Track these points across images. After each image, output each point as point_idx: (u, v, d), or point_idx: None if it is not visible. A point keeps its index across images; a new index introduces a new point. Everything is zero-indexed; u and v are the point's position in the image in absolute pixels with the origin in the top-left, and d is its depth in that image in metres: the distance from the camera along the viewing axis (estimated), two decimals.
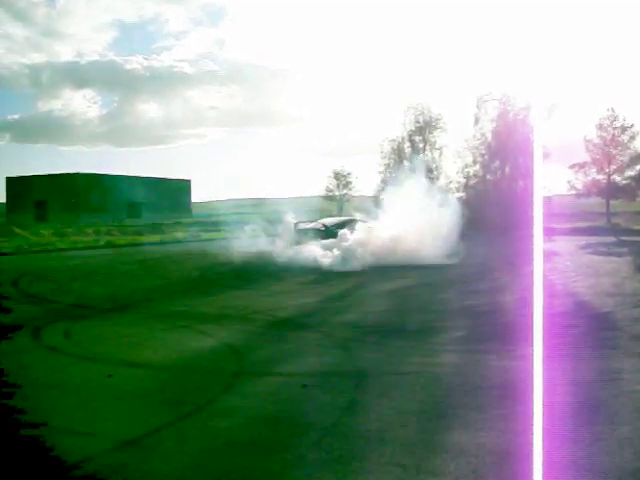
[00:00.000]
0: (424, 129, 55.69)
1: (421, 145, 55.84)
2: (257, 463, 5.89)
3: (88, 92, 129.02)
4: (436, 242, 24.69)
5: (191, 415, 7.28)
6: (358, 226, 26.64)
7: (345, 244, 24.81)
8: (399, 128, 56.34)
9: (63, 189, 78.27)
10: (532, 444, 3.39)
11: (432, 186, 33.31)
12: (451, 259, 23.77)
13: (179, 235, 46.13)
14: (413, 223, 25.11)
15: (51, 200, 78.92)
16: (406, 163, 54.52)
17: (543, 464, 3.36)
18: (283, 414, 7.33)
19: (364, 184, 70.10)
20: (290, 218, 29.98)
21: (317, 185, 73.82)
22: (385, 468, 5.66)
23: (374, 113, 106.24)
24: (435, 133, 55.83)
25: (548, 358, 3.68)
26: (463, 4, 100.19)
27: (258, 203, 61.75)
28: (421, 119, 55.74)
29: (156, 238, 43.82)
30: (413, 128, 55.84)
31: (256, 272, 22.23)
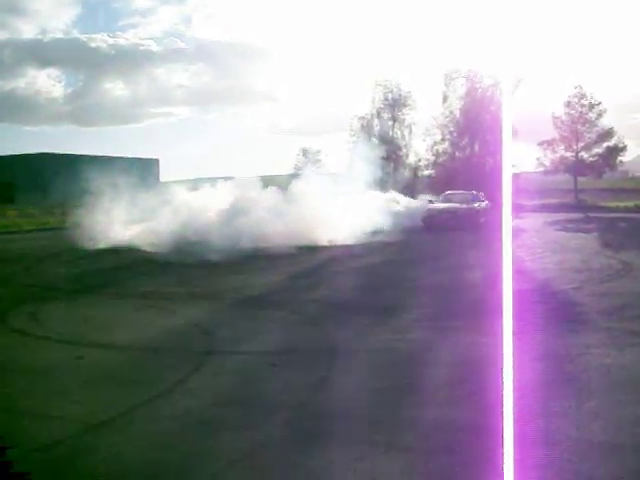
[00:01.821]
0: (393, 106, 55.65)
1: (390, 122, 55.82)
2: (227, 443, 5.87)
3: (52, 71, 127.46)
4: None
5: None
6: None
7: None
8: (368, 105, 56.29)
9: (30, 169, 77.16)
10: (503, 419, 3.41)
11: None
12: None
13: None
14: None
15: (17, 181, 77.76)
16: (375, 140, 54.66)
17: (514, 438, 3.39)
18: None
19: (334, 162, 70.07)
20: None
21: (286, 164, 73.56)
22: (356, 446, 5.67)
23: (344, 91, 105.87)
24: (404, 110, 55.82)
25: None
26: None
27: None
28: (390, 96, 55.69)
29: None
30: (382, 105, 55.79)
31: None
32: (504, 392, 3.34)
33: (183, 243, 21.43)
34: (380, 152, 41.13)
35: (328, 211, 25.28)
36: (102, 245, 23.31)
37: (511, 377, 3.38)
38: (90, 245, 22.94)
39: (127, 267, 18.80)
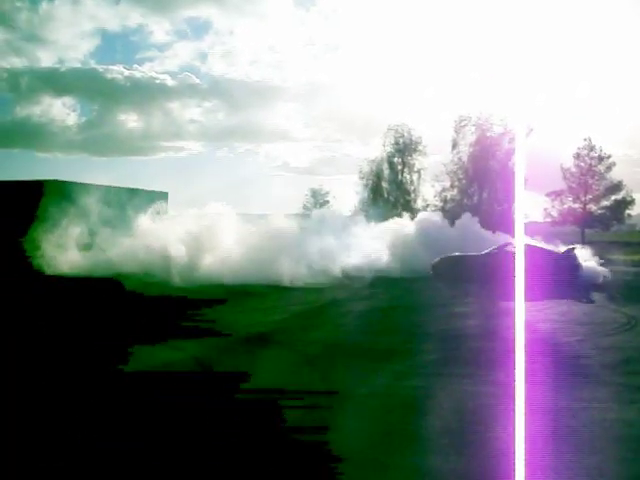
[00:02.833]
0: (403, 151, 55.90)
1: (400, 167, 56.02)
2: None
3: (68, 99, 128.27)
4: None
5: None
6: None
7: None
8: (379, 149, 56.55)
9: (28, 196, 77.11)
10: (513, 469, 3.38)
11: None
12: None
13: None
14: None
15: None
16: (384, 185, 54.86)
17: None
18: None
19: (342, 204, 70.08)
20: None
21: (294, 203, 73.48)
22: None
23: (355, 134, 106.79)
24: (414, 155, 56.05)
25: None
26: (444, 28, 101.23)
27: None
28: (401, 141, 55.96)
29: None
30: (392, 150, 56.04)
31: None
32: (512, 445, 3.30)
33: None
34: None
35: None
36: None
37: (521, 429, 3.35)
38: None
39: None
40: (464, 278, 25.29)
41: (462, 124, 52.44)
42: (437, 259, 27.76)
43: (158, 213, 30.89)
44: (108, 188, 36.03)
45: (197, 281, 22.73)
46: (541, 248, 25.33)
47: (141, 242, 27.21)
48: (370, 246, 30.37)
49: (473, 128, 52.18)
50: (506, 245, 25.92)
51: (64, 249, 27.37)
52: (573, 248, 26.29)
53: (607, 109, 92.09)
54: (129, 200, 31.42)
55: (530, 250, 24.78)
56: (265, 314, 16.50)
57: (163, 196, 41.10)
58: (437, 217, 37.13)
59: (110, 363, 10.58)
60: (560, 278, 21.95)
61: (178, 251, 25.56)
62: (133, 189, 37.33)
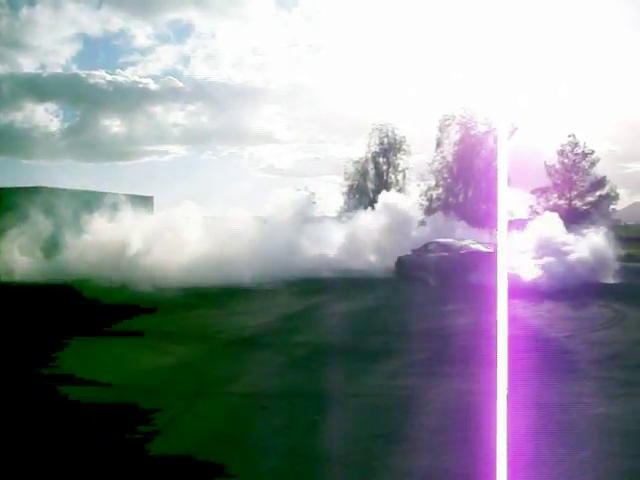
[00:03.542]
0: (388, 151, 55.87)
1: (385, 167, 56.01)
2: None
3: (50, 105, 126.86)
4: None
5: None
6: None
7: None
8: (363, 149, 56.50)
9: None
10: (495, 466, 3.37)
11: None
12: None
13: None
14: None
15: None
16: (369, 185, 54.83)
17: None
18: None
19: (327, 206, 70.00)
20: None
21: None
22: None
23: (338, 134, 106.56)
24: (399, 155, 56.03)
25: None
26: (427, 28, 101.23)
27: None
28: (385, 141, 55.91)
29: None
30: (377, 150, 55.99)
31: None
32: (497, 441, 3.29)
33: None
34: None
35: None
36: None
37: (504, 426, 3.34)
38: None
39: None
40: (406, 276, 26.62)
41: (446, 123, 52.44)
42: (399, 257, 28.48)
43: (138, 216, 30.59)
44: (75, 192, 35.86)
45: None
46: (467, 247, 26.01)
47: (95, 246, 27.23)
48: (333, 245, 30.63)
49: (457, 127, 52.21)
50: (428, 245, 27.03)
51: (16, 255, 27.38)
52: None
53: (591, 106, 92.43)
54: (98, 204, 31.28)
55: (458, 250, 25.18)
56: None
57: (146, 200, 40.60)
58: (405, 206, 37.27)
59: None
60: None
61: (129, 253, 25.64)
62: (106, 193, 36.65)
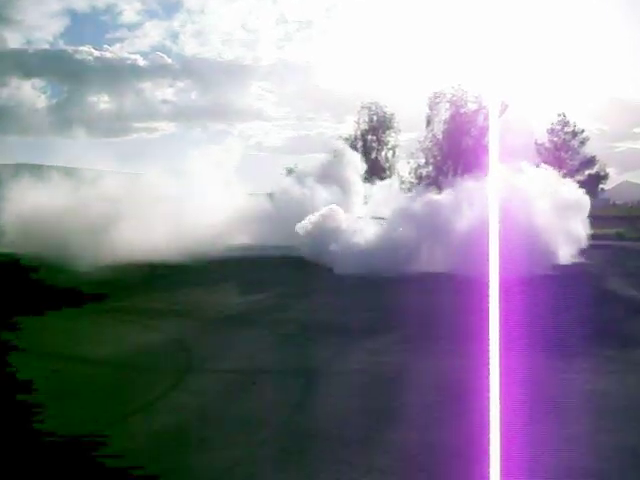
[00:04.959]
0: (377, 128, 55.71)
1: (374, 144, 55.87)
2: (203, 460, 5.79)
3: (37, 81, 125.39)
4: None
5: None
6: None
7: None
8: (353, 127, 56.33)
9: None
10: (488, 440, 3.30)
11: None
12: None
13: None
14: None
15: None
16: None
17: (501, 462, 3.27)
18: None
19: None
20: None
21: (268, 183, 73.27)
22: (332, 466, 5.58)
23: (328, 112, 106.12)
24: (388, 133, 55.89)
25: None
26: (419, 5, 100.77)
27: None
28: (375, 118, 55.73)
29: None
30: (367, 127, 55.82)
31: None
32: (488, 416, 3.22)
33: None
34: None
35: None
36: None
37: (495, 402, 3.26)
38: None
39: None
40: None
41: (436, 101, 52.34)
42: None
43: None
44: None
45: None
46: None
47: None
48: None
49: (447, 105, 52.13)
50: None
51: None
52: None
53: (581, 85, 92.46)
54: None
55: None
56: None
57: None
58: None
59: None
60: None
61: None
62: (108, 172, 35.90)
